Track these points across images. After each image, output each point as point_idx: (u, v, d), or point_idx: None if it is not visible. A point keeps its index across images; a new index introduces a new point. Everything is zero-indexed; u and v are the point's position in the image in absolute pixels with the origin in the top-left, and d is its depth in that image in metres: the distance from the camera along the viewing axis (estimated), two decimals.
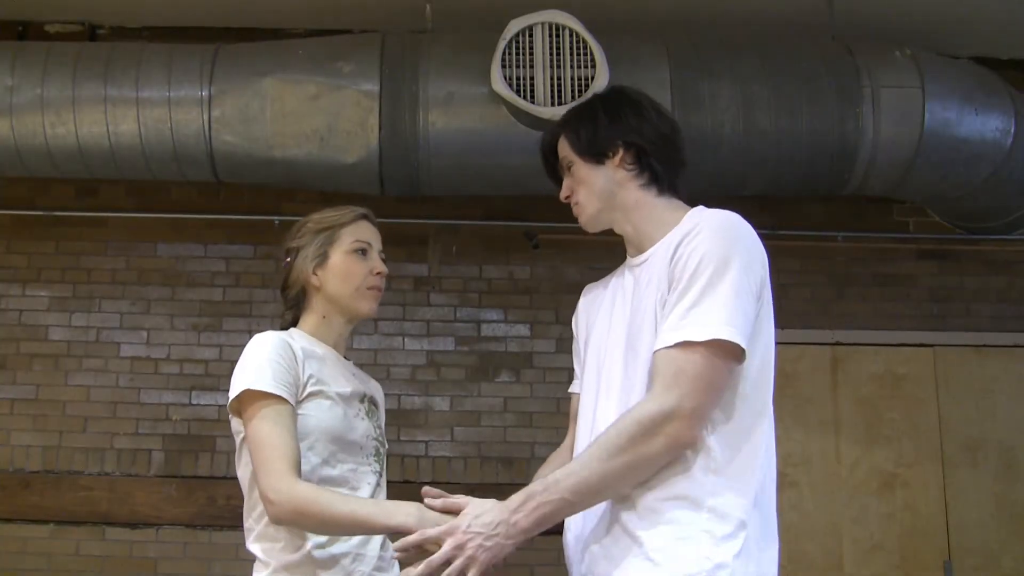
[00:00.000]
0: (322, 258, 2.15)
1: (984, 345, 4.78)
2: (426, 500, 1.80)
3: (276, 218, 4.57)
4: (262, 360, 2.00)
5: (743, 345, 1.71)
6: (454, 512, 1.76)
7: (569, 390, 2.14)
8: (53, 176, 4.14)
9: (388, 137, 3.79)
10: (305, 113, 3.78)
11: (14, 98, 3.82)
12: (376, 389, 2.28)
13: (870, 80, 3.90)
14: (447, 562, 1.68)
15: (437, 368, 4.61)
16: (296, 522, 1.90)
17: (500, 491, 5.06)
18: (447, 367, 4.63)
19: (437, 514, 1.78)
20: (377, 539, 2.05)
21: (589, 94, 3.64)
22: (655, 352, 1.74)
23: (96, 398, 4.52)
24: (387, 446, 2.22)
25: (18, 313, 4.59)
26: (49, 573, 4.31)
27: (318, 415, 2.02)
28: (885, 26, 4.43)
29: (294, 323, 2.20)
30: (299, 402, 2.01)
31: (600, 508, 1.81)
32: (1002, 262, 4.89)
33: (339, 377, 2.11)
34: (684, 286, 1.74)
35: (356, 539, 2.01)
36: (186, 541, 4.36)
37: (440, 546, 1.70)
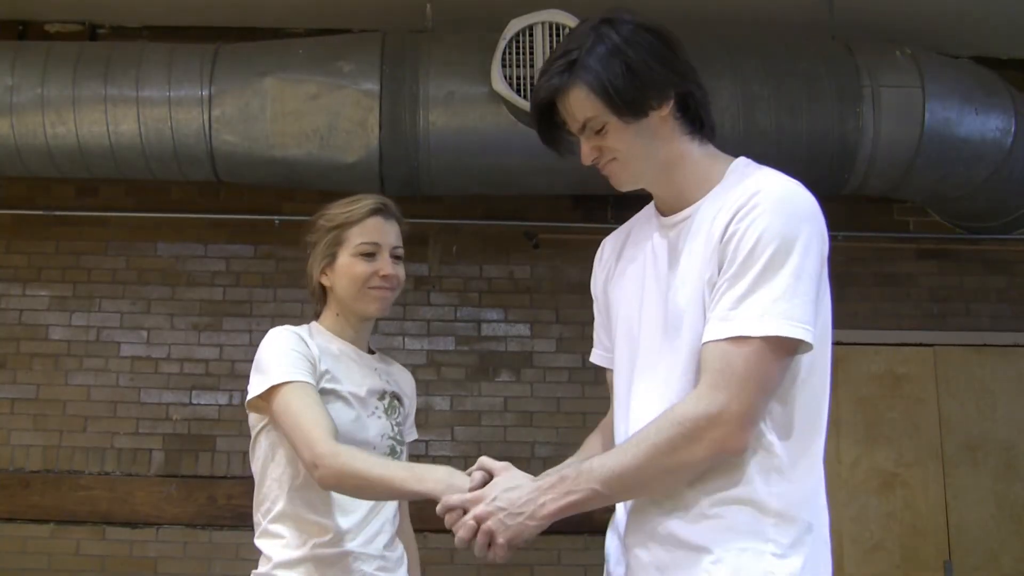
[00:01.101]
0: (331, 258, 2.12)
1: (984, 345, 4.79)
2: (471, 470, 1.75)
3: (276, 218, 4.58)
4: (280, 353, 2.01)
5: (805, 339, 1.51)
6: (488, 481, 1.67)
7: (592, 359, 1.99)
8: (53, 176, 4.14)
9: (388, 137, 3.79)
10: (305, 113, 3.78)
11: (14, 98, 3.82)
12: (403, 383, 2.25)
13: (870, 80, 3.90)
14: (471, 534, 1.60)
15: (437, 368, 4.61)
16: (338, 486, 1.90)
17: None
18: (447, 367, 4.63)
19: (466, 480, 1.73)
20: (382, 538, 2.05)
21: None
22: (704, 344, 1.54)
23: (96, 398, 4.52)
24: (407, 442, 2.20)
25: (18, 312, 4.59)
26: (49, 572, 4.31)
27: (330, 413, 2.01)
28: (885, 26, 4.43)
29: (318, 316, 2.20)
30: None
31: (647, 509, 1.63)
32: (1002, 262, 4.89)
33: (354, 375, 2.10)
34: (737, 270, 1.53)
35: (359, 538, 2.01)
36: (186, 541, 4.36)
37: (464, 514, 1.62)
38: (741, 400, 1.49)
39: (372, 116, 3.77)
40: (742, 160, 1.71)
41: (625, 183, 1.76)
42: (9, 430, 4.46)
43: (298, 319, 4.96)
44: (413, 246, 4.68)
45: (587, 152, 1.76)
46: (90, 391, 4.52)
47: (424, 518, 4.94)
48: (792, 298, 1.50)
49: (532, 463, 4.55)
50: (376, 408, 2.11)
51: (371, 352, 2.23)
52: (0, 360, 4.54)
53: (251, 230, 4.67)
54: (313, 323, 2.18)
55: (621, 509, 1.74)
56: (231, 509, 4.34)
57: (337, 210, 2.14)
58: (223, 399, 4.46)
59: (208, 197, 4.68)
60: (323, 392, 2.01)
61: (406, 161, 3.84)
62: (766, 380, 1.51)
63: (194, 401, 4.52)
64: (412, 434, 2.26)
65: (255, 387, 1.99)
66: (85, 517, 4.37)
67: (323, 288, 2.16)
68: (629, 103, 1.61)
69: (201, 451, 4.47)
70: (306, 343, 2.04)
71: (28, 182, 4.59)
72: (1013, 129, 3.99)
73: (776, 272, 1.51)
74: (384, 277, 2.10)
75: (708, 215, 1.62)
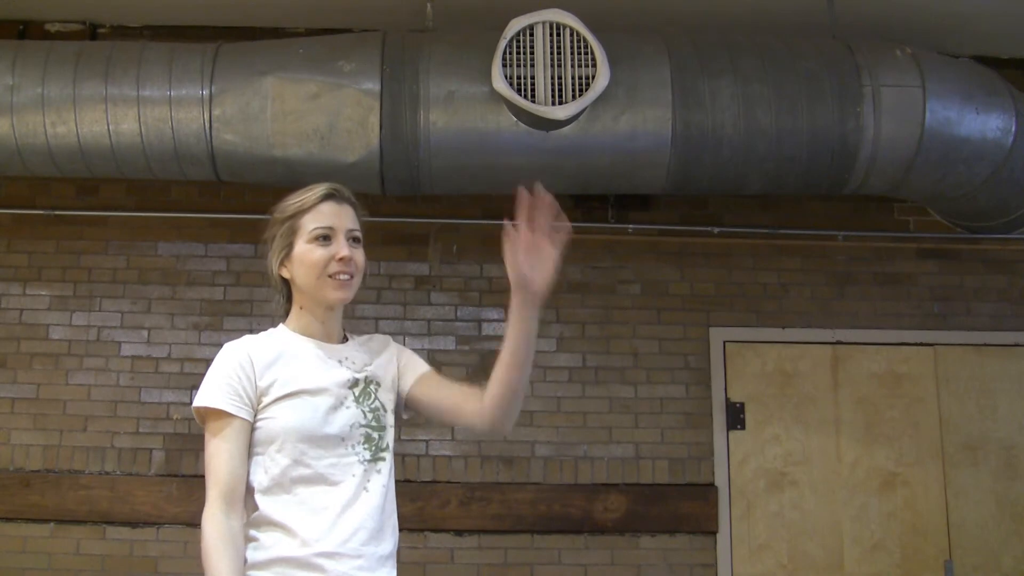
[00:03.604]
0: (288, 249, 2.11)
1: (984, 344, 4.79)
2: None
3: None
4: (217, 375, 2.04)
5: None
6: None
7: None
8: (54, 175, 4.13)
9: (389, 136, 3.79)
10: (306, 112, 3.77)
11: (15, 97, 3.81)
12: (375, 358, 2.19)
13: (871, 79, 3.89)
14: None
15: (438, 367, 4.53)
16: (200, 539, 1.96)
17: (501, 490, 5.08)
18: (448, 366, 4.63)
19: None
20: (360, 535, 2.00)
21: (590, 93, 3.65)
22: None
23: (97, 397, 4.52)
24: (387, 423, 2.14)
25: (18, 312, 4.59)
26: (49, 572, 4.31)
27: (285, 417, 2.01)
28: (886, 25, 4.43)
29: (287, 315, 2.19)
30: (264, 407, 2.03)
31: None
32: (1003, 261, 4.89)
33: (317, 372, 2.07)
34: None
35: (331, 539, 1.96)
36: (186, 540, 4.36)
37: None
38: None
39: (373, 116, 3.77)
40: None
41: None
42: (9, 430, 4.46)
43: None
44: (414, 245, 4.74)
45: None
46: (90, 391, 4.52)
47: (424, 518, 4.96)
48: None
49: (532, 462, 4.56)
50: (345, 399, 2.07)
51: (346, 339, 2.20)
52: (0, 359, 4.54)
53: (251, 229, 4.62)
54: (279, 325, 2.17)
55: None
56: None
57: (289, 201, 2.14)
58: None
59: (208, 196, 4.69)
60: (277, 399, 2.02)
61: (406, 160, 3.84)
62: None
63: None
64: (421, 369, 2.26)
65: (194, 404, 2.06)
66: (85, 517, 4.37)
67: (285, 284, 2.16)
68: None
69: (201, 451, 4.42)
70: (251, 360, 2.04)
71: (28, 181, 4.59)
72: (1013, 128, 3.98)
73: None
74: (341, 260, 2.08)
75: None
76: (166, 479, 4.43)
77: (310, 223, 2.10)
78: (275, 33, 4.68)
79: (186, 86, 3.82)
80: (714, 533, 4.52)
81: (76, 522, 4.36)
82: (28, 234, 4.65)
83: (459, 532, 4.45)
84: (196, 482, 4.41)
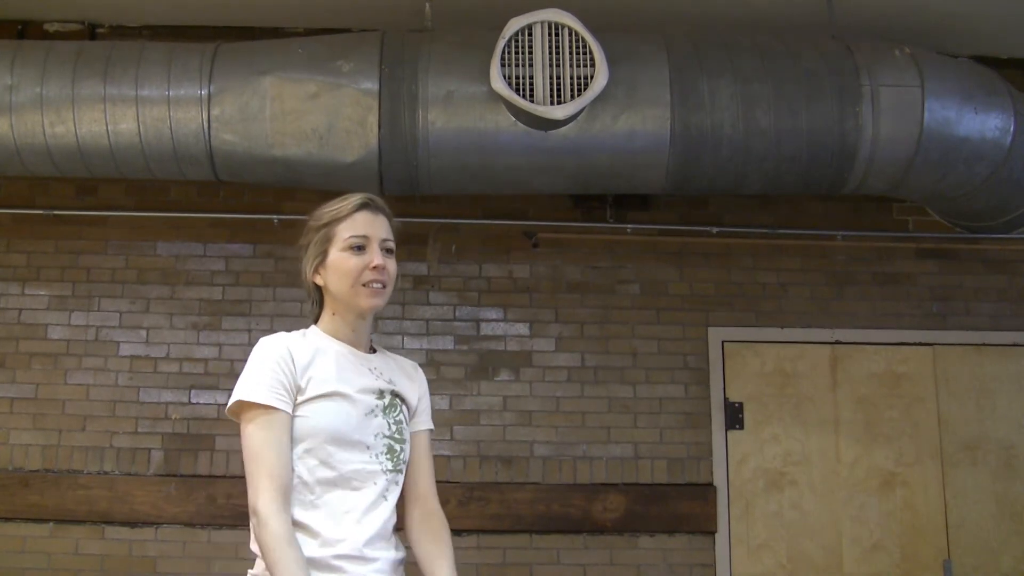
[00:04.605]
0: (322, 256, 2.14)
1: (984, 344, 4.79)
2: None
3: (275, 217, 4.58)
4: (258, 368, 2.03)
5: None
6: None
7: None
8: (53, 175, 4.13)
9: (387, 136, 3.78)
10: (304, 112, 3.77)
11: (14, 97, 3.81)
12: (406, 379, 2.25)
13: (870, 79, 3.89)
14: None
15: (436, 367, 4.61)
16: (258, 542, 1.94)
17: (500, 490, 5.08)
18: (446, 366, 4.63)
19: None
20: (377, 542, 2.03)
21: (589, 93, 3.65)
22: None
23: (95, 397, 4.52)
24: (423, 430, 2.23)
25: (17, 312, 4.59)
26: (49, 572, 4.31)
27: (318, 417, 2.02)
28: (885, 25, 4.43)
29: (317, 319, 2.22)
30: (298, 405, 2.03)
31: None
32: (1002, 261, 4.89)
33: (350, 376, 2.10)
34: None
35: (349, 543, 1.99)
36: (185, 540, 4.36)
37: None
38: None
39: (371, 115, 3.76)
40: None
41: None
42: (8, 429, 4.46)
43: (297, 318, 4.98)
44: (413, 245, 4.73)
45: None
46: (89, 390, 4.52)
47: None
48: None
49: (531, 462, 4.56)
50: (374, 408, 2.10)
51: (373, 351, 2.23)
52: None
53: (250, 229, 4.68)
54: (312, 327, 2.19)
55: None
56: (230, 508, 4.34)
57: (325, 209, 2.17)
58: (222, 398, 4.46)
59: (207, 196, 4.69)
60: (313, 398, 2.03)
61: (405, 160, 3.84)
62: None
63: (193, 400, 4.52)
64: (427, 424, 2.28)
65: (232, 398, 2.04)
66: (84, 516, 4.37)
67: (318, 289, 2.18)
68: None
69: (200, 450, 4.47)
70: (291, 355, 2.05)
71: (27, 181, 4.59)
72: (1012, 128, 3.98)
73: None
74: (375, 268, 2.11)
75: None
76: (165, 479, 4.43)
77: (345, 232, 2.13)
78: (274, 33, 4.68)
79: (185, 86, 3.81)
80: (713, 533, 4.52)
81: (75, 522, 4.36)
82: (27, 234, 4.65)
83: (458, 532, 4.40)
84: (195, 482, 4.43)
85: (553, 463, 4.57)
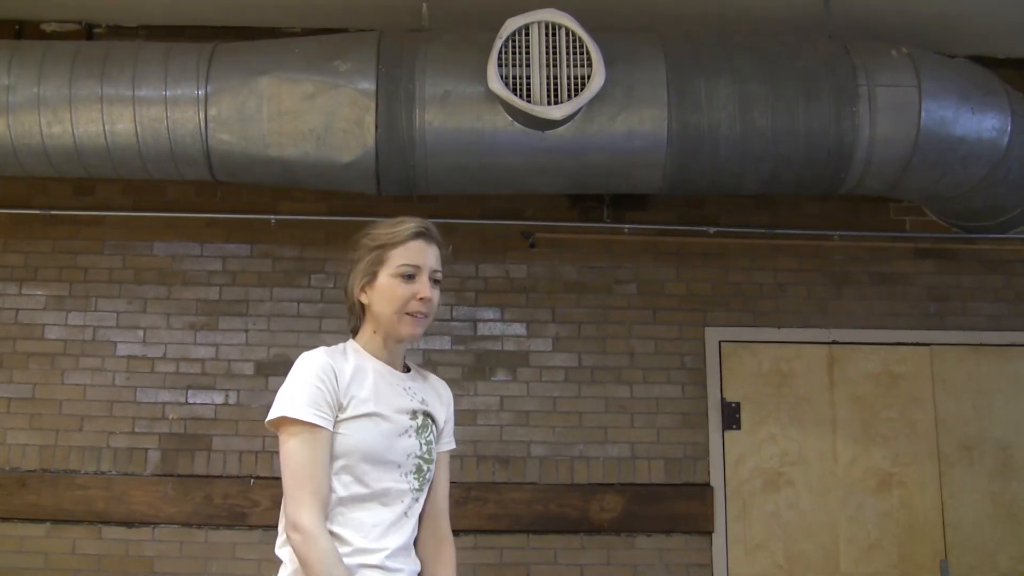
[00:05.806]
0: (371, 277, 2.17)
1: (981, 344, 4.79)
2: None
3: (273, 217, 4.58)
4: (302, 384, 2.05)
5: None
6: None
7: None
8: (50, 175, 4.13)
9: (384, 136, 3.78)
10: (302, 112, 3.77)
11: (11, 97, 3.81)
12: (436, 398, 2.28)
13: (867, 79, 3.89)
14: None
15: (434, 367, 4.60)
16: (298, 558, 1.97)
17: (497, 490, 5.08)
18: (444, 366, 4.63)
19: None
20: (400, 553, 2.09)
21: (586, 93, 3.65)
22: None
23: (92, 397, 4.51)
24: (448, 451, 2.27)
25: (14, 312, 4.59)
26: (46, 572, 4.31)
27: (356, 435, 2.05)
28: (882, 25, 4.43)
29: (356, 332, 2.24)
30: (339, 423, 2.05)
31: None
32: (999, 261, 4.90)
33: (386, 395, 2.13)
34: None
35: (376, 554, 2.04)
36: (182, 540, 4.36)
37: None
38: None
39: (368, 115, 3.76)
40: None
41: None
42: (5, 429, 4.46)
43: (294, 318, 4.97)
44: None
45: None
46: (86, 390, 4.52)
47: None
48: None
49: (528, 462, 4.56)
50: (408, 428, 2.14)
51: (407, 369, 2.27)
52: None
53: (247, 229, 4.67)
54: (350, 340, 2.22)
55: None
56: (227, 508, 4.34)
57: (381, 230, 2.20)
58: (219, 398, 4.46)
59: (204, 196, 4.69)
60: (352, 416, 2.06)
61: (402, 160, 3.84)
62: None
63: (190, 400, 4.52)
64: (450, 444, 2.30)
65: (272, 410, 2.05)
66: (81, 516, 4.36)
67: (361, 306, 2.20)
68: None
69: (197, 450, 4.47)
70: (335, 371, 2.07)
71: (24, 181, 4.59)
72: (1009, 128, 3.98)
73: None
74: (422, 300, 2.14)
75: None
76: (162, 479, 4.42)
77: (398, 258, 2.15)
78: (271, 33, 4.68)
79: (182, 86, 3.81)
80: (710, 533, 4.53)
81: (72, 522, 4.36)
82: (24, 234, 4.65)
83: (455, 532, 4.43)
84: (192, 482, 4.43)
85: (550, 463, 4.57)
